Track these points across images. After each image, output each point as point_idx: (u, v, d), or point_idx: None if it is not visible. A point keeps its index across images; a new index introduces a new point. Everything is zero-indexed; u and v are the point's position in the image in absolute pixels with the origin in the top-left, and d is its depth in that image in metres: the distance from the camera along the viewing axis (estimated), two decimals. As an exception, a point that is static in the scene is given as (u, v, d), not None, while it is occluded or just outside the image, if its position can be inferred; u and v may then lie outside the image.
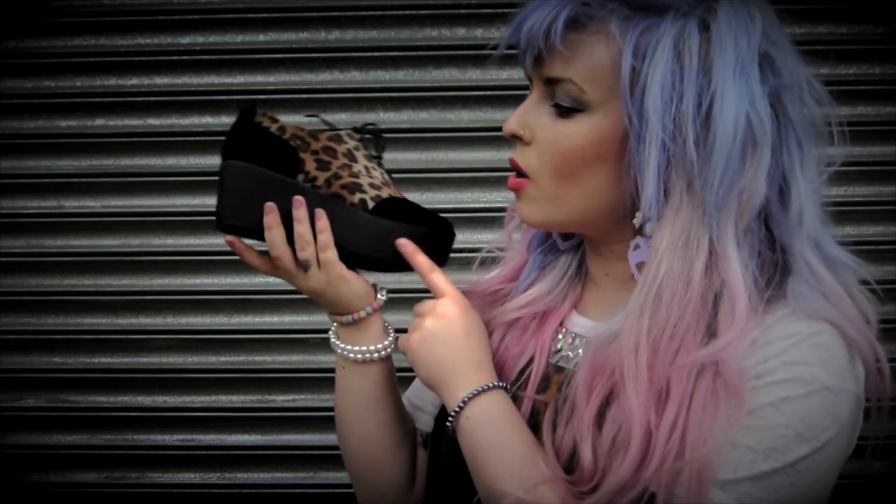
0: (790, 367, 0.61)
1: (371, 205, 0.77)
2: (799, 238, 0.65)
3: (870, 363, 0.65)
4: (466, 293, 0.79)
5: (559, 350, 0.75)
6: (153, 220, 1.87)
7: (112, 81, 1.87)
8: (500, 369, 0.76)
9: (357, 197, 0.77)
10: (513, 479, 0.65)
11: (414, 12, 1.84)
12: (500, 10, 1.85)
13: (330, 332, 0.81)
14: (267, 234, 0.72)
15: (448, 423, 0.70)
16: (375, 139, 0.83)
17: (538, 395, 0.73)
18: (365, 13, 1.84)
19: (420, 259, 0.77)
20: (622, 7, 0.63)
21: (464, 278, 0.84)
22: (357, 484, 0.85)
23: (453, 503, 0.73)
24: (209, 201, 1.98)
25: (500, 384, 0.71)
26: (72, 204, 1.89)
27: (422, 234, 0.78)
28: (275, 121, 0.77)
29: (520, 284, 0.80)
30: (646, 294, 0.63)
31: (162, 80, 1.87)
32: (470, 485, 0.70)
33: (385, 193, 0.78)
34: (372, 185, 0.78)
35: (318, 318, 1.83)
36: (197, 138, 1.86)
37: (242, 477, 1.92)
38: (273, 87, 1.86)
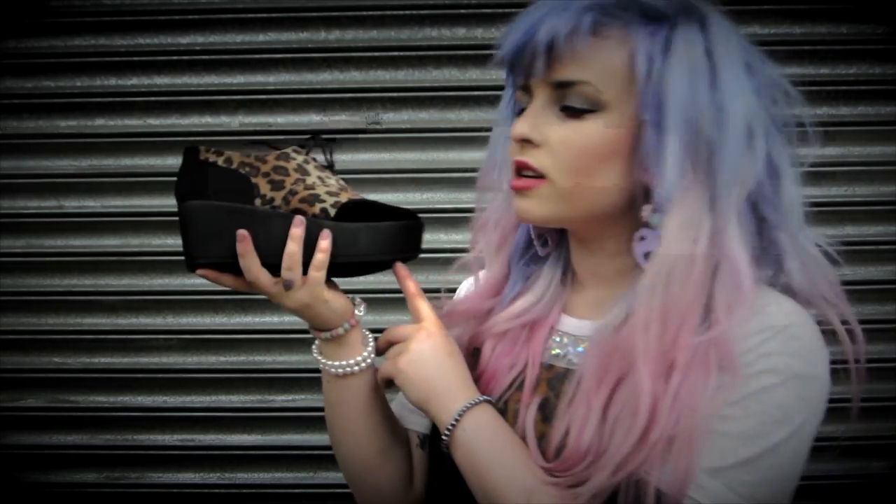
0: (766, 359, 0.66)
1: (332, 212, 0.78)
2: (786, 216, 0.71)
3: (841, 331, 0.71)
4: (449, 313, 0.83)
5: (553, 352, 0.78)
6: (153, 220, 1.87)
7: (112, 81, 1.87)
8: (490, 379, 0.79)
9: (318, 207, 0.78)
10: (513, 484, 0.69)
11: (414, 12, 1.84)
12: (500, 11, 1.85)
13: (313, 347, 0.83)
14: (242, 262, 0.74)
15: (444, 438, 0.73)
16: (323, 146, 0.85)
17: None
18: (365, 13, 1.84)
19: (410, 283, 0.80)
20: (632, 14, 0.69)
21: (442, 300, 0.87)
22: (354, 488, 0.87)
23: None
24: (209, 201, 1.98)
25: (488, 399, 0.74)
26: (72, 204, 1.89)
27: (388, 229, 0.79)
28: (220, 154, 0.78)
29: (505, 298, 0.82)
30: (656, 275, 0.67)
31: (162, 80, 1.87)
32: (471, 495, 0.73)
33: (344, 198, 0.79)
34: (329, 193, 0.79)
35: (318, 318, 1.83)
36: (197, 138, 1.86)
37: (242, 477, 1.92)
38: (273, 87, 1.86)
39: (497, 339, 0.80)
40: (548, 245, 0.81)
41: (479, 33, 1.85)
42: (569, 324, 0.78)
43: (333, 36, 1.86)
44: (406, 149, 1.86)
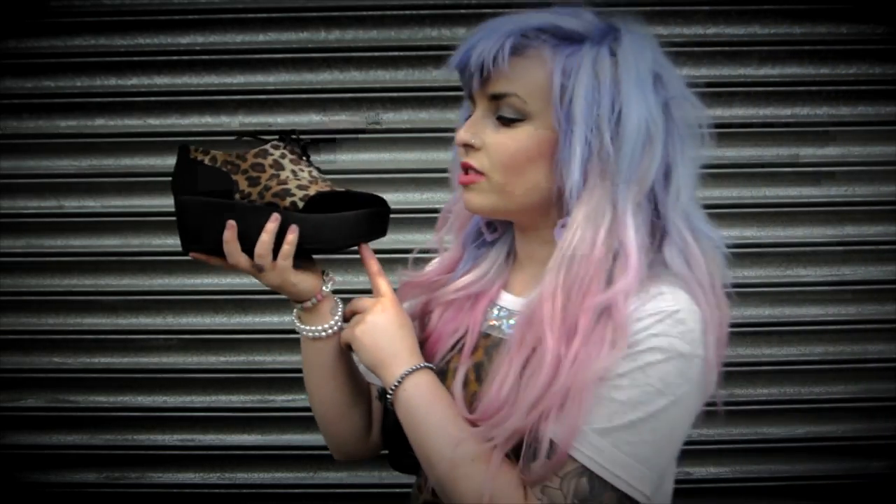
0: (654, 338, 0.77)
1: (301, 205, 0.88)
2: (674, 211, 0.82)
3: (716, 327, 0.81)
4: (406, 284, 0.98)
5: (490, 323, 0.92)
6: (153, 220, 1.87)
7: (112, 81, 1.87)
8: (436, 342, 0.94)
9: (288, 200, 0.89)
10: (442, 436, 0.82)
11: (414, 12, 1.84)
12: (500, 11, 1.84)
13: (293, 315, 0.96)
14: (225, 247, 0.88)
15: (388, 397, 0.86)
16: (297, 143, 0.96)
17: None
18: (365, 13, 1.84)
19: (372, 263, 0.94)
20: (551, 37, 0.82)
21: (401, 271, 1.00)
22: (325, 436, 1.02)
23: (405, 452, 0.89)
24: (209, 201, 1.97)
25: (429, 365, 0.87)
26: (72, 204, 1.89)
27: (351, 218, 0.90)
28: (206, 153, 0.91)
29: (456, 274, 0.96)
30: (562, 255, 0.81)
31: (162, 80, 1.87)
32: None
33: (313, 191, 0.90)
34: (300, 187, 0.90)
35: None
36: (197, 138, 1.86)
37: (242, 477, 1.92)
38: (273, 87, 1.86)
39: (444, 307, 0.95)
40: (496, 231, 0.96)
41: (479, 33, 1.84)
42: (507, 299, 0.92)
43: (333, 36, 1.86)
44: (406, 149, 1.86)
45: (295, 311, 0.96)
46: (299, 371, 1.96)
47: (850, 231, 1.87)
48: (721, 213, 1.87)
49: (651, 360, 0.77)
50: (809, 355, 1.87)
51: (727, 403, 1.92)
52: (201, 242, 0.89)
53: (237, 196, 0.89)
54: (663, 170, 0.82)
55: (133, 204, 1.88)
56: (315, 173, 0.93)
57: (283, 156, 0.93)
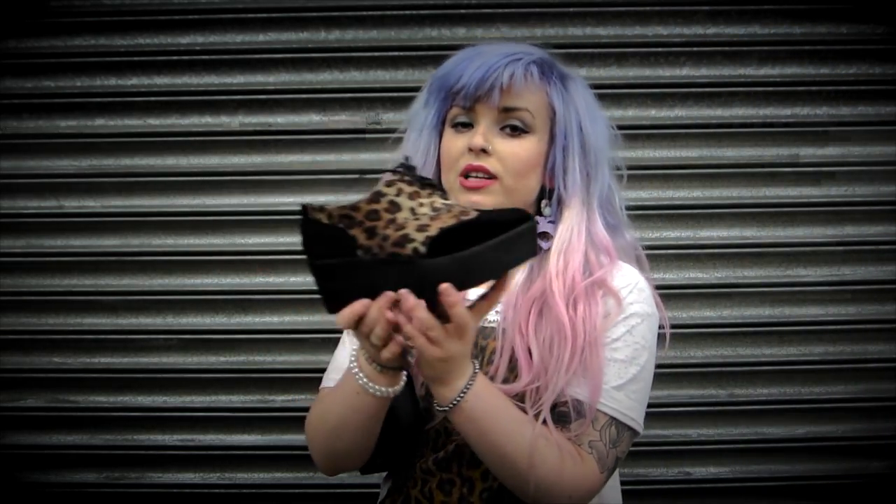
0: (631, 306, 1.01)
1: (423, 249, 0.79)
2: (615, 214, 1.07)
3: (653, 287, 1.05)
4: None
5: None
6: (153, 220, 1.87)
7: (112, 81, 1.87)
8: None
9: (409, 248, 0.80)
10: (515, 435, 0.91)
11: (414, 12, 1.84)
12: (500, 11, 1.85)
13: (354, 370, 0.91)
14: (367, 321, 0.83)
15: (449, 407, 0.88)
16: (409, 173, 0.87)
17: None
18: (365, 13, 1.84)
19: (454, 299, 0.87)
20: (541, 68, 1.03)
21: None
22: (332, 464, 1.04)
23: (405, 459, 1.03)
24: (209, 201, 2.00)
25: (476, 366, 0.91)
26: (72, 204, 1.89)
27: (479, 253, 0.79)
28: (321, 210, 0.82)
29: None
30: (561, 243, 1.01)
31: (162, 80, 1.87)
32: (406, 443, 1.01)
33: (434, 229, 0.80)
34: (420, 228, 0.81)
35: (317, 319, 1.83)
36: (197, 138, 1.86)
37: (242, 477, 1.92)
38: (273, 87, 1.86)
39: None
40: None
41: (479, 33, 1.85)
42: (476, 292, 0.92)
43: (333, 36, 1.86)
44: (406, 149, 1.86)
45: (357, 367, 0.91)
46: (299, 371, 1.97)
47: (850, 231, 1.87)
48: (721, 213, 1.87)
49: (634, 323, 1.00)
50: (809, 355, 1.87)
51: (727, 403, 1.93)
52: (340, 306, 0.82)
53: (359, 253, 0.82)
54: (608, 184, 1.07)
55: (133, 204, 1.87)
56: (439, 202, 0.85)
57: (398, 192, 0.84)
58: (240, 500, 1.92)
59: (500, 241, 0.81)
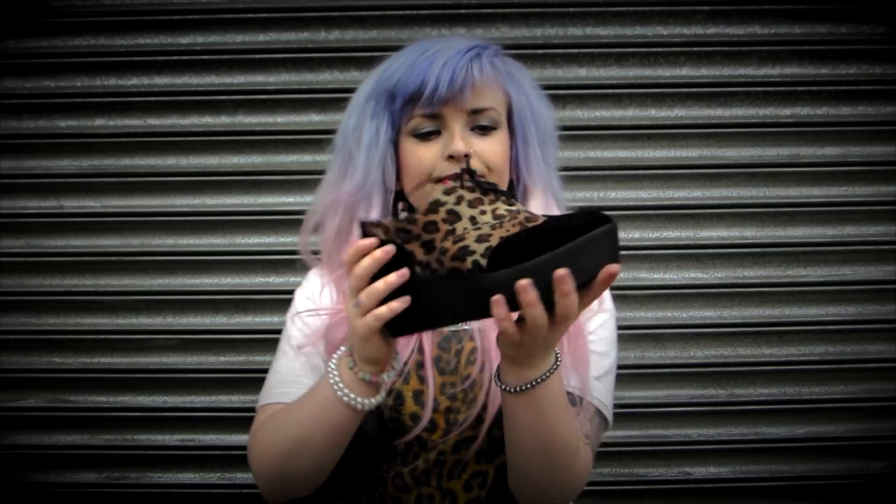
0: (604, 301, 1.04)
1: (484, 262, 0.71)
2: (559, 196, 1.05)
3: None
4: (338, 322, 0.97)
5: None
6: (153, 220, 1.87)
7: (112, 81, 1.87)
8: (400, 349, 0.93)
9: (469, 261, 0.72)
10: (570, 433, 0.88)
11: (414, 12, 1.84)
12: (500, 11, 1.85)
13: (334, 378, 0.84)
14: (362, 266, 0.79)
15: (518, 389, 0.81)
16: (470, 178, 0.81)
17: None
18: (365, 13, 1.84)
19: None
20: (500, 62, 1.00)
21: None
22: (279, 487, 0.95)
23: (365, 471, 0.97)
24: (209, 201, 2.00)
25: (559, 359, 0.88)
26: (72, 204, 1.89)
27: (549, 259, 0.70)
28: (377, 225, 0.77)
29: None
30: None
31: (162, 80, 1.87)
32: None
33: (495, 239, 0.73)
34: (480, 239, 0.73)
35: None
36: (197, 138, 1.86)
37: (242, 477, 1.92)
38: (273, 87, 1.86)
39: None
40: None
41: (479, 33, 1.85)
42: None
43: (333, 36, 1.86)
44: (406, 149, 1.86)
45: (336, 376, 0.84)
46: (299, 371, 1.93)
47: (850, 231, 1.87)
48: (721, 213, 1.87)
49: (605, 318, 1.03)
50: (809, 355, 1.87)
51: (727, 403, 1.93)
52: (403, 329, 0.78)
53: (417, 269, 0.75)
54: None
55: (133, 204, 1.87)
56: (502, 209, 0.78)
57: (458, 200, 0.78)
58: (240, 500, 1.92)
59: (570, 248, 0.71)
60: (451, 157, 0.94)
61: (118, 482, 1.91)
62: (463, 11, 1.84)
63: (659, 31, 1.85)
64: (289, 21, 1.85)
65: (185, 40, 1.86)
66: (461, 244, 0.73)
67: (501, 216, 0.77)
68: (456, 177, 0.85)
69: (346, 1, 1.83)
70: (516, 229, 0.74)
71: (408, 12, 1.84)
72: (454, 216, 0.76)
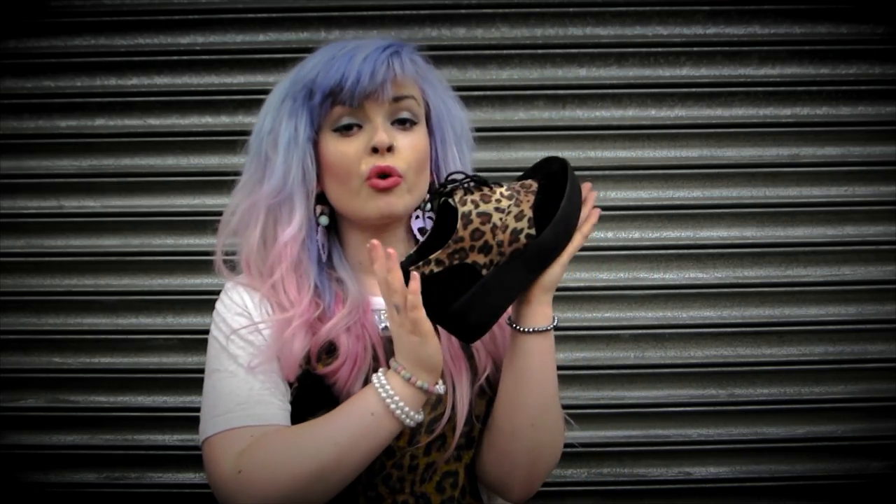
0: None
1: (533, 231, 0.88)
2: None
3: None
4: (289, 329, 0.94)
5: (383, 327, 0.97)
6: (153, 220, 1.87)
7: (112, 81, 1.87)
8: (354, 362, 0.93)
9: (522, 237, 0.88)
10: (556, 387, 0.94)
11: (414, 12, 1.84)
12: (500, 11, 1.85)
13: (387, 392, 0.85)
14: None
15: (547, 327, 0.91)
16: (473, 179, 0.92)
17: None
18: (365, 13, 1.84)
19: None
20: (420, 65, 0.99)
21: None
22: (316, 493, 0.88)
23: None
24: (209, 201, 2.00)
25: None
26: (72, 204, 1.89)
27: (565, 206, 0.88)
28: (428, 264, 0.87)
29: (328, 303, 0.97)
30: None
31: (162, 80, 1.87)
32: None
33: (528, 210, 0.89)
34: (517, 217, 0.88)
35: (318, 318, 1.83)
36: (197, 138, 1.86)
37: (242, 477, 1.91)
38: (273, 88, 1.86)
39: (345, 333, 0.94)
40: (325, 249, 0.99)
41: (480, 33, 1.85)
42: (379, 302, 0.97)
43: (333, 36, 1.86)
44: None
45: (392, 394, 0.85)
46: (299, 371, 1.93)
47: (850, 231, 1.87)
48: (721, 213, 1.87)
49: None
50: (809, 355, 1.87)
51: (727, 403, 1.93)
52: (482, 332, 0.89)
53: (483, 272, 0.87)
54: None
55: (133, 204, 1.87)
56: (504, 191, 0.90)
57: (475, 203, 0.88)
58: (240, 500, 1.91)
59: (570, 192, 0.88)
60: (374, 151, 0.92)
61: (118, 482, 1.91)
62: (463, 11, 1.84)
63: (659, 31, 1.86)
64: (289, 21, 1.85)
65: (185, 40, 1.86)
66: (509, 231, 0.87)
67: (511, 195, 0.89)
68: (456, 188, 0.89)
69: (346, 1, 1.83)
70: (531, 197, 0.89)
71: (408, 12, 1.84)
72: (485, 216, 0.87)
